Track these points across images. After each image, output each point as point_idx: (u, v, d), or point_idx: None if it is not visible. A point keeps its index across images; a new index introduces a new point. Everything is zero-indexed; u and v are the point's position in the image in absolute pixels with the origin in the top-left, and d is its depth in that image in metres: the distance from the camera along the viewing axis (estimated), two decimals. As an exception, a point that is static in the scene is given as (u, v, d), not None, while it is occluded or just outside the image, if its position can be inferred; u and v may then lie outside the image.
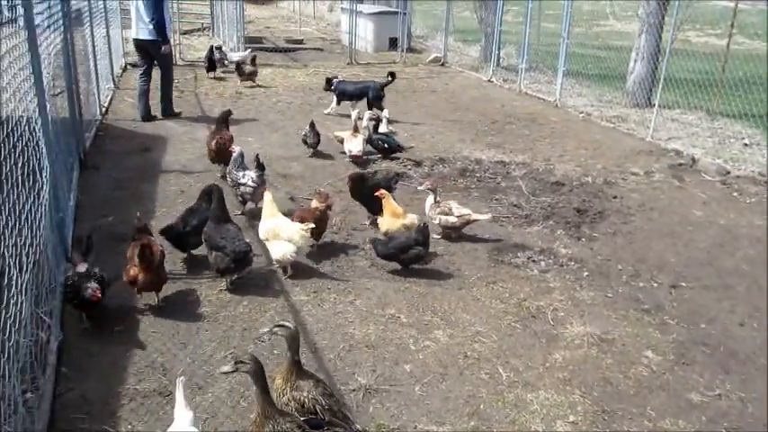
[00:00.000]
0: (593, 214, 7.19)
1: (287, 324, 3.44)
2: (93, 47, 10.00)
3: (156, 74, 10.40)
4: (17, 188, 3.88)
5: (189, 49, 16.75)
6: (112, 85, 12.36)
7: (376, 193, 6.05)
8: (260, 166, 6.64)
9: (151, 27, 9.78)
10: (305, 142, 8.88)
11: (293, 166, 8.37)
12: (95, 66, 10.02)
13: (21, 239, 3.79)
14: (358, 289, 5.36)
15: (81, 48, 8.78)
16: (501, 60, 15.77)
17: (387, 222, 5.99)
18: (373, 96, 10.81)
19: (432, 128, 10.69)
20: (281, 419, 3.03)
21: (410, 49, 18.26)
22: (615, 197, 7.77)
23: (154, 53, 10.16)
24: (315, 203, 5.91)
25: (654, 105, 10.94)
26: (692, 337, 4.88)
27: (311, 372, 3.65)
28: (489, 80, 15.06)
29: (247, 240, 5.27)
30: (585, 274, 5.81)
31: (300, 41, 20.12)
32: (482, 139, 10.11)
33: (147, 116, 10.38)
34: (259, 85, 13.34)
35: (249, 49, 15.54)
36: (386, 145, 8.76)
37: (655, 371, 4.44)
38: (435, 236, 6.39)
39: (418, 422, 3.83)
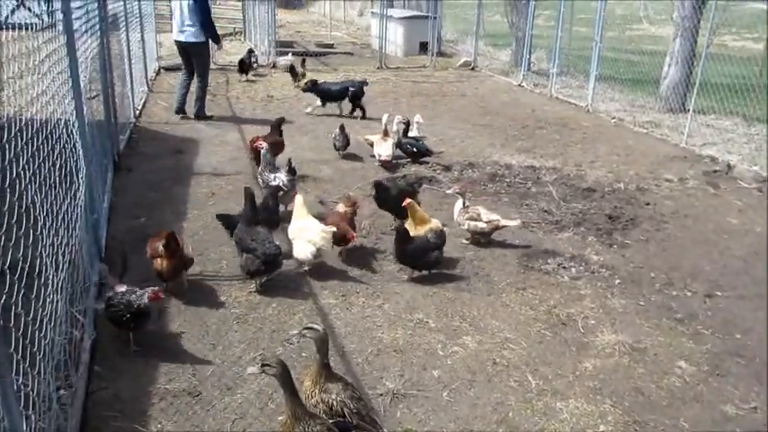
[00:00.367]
0: (626, 221, 7.09)
1: (316, 327, 3.44)
2: (129, 51, 10.17)
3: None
4: (55, 189, 3.96)
5: (221, 53, 16.93)
6: (146, 89, 12.56)
7: (403, 203, 5.99)
8: (291, 171, 6.69)
9: (193, 30, 10.04)
10: (334, 145, 8.94)
11: (323, 170, 8.41)
12: (130, 69, 10.20)
13: (57, 239, 3.86)
14: (386, 293, 5.35)
15: (116, 52, 8.94)
16: (532, 65, 15.65)
17: (411, 229, 5.95)
18: (353, 95, 11.11)
19: (461, 132, 10.65)
20: (311, 421, 3.03)
21: (440, 54, 18.23)
22: (648, 204, 7.65)
23: (192, 55, 10.39)
24: (341, 207, 5.93)
25: (688, 110, 10.73)
26: (726, 347, 4.77)
27: (340, 375, 3.65)
28: (520, 84, 14.96)
29: (277, 243, 5.31)
30: (617, 281, 5.72)
31: (331, 46, 20.24)
32: (512, 144, 10.04)
33: (180, 110, 10.73)
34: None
35: (290, 53, 16.20)
36: (415, 149, 8.76)
37: (688, 382, 4.35)
38: (464, 241, 6.36)
39: (446, 428, 3.81)
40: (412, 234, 5.83)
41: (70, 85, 4.84)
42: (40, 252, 3.50)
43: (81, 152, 5.05)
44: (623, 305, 5.32)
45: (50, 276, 3.59)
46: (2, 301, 2.70)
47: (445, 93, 13.99)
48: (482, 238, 6.30)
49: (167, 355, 4.34)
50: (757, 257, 6.29)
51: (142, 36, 12.25)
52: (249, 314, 4.91)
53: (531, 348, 4.65)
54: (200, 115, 10.70)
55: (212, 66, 13.94)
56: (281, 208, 6.72)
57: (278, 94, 13.05)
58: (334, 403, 3.28)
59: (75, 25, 5.03)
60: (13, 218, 3.00)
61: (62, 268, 3.92)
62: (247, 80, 14.07)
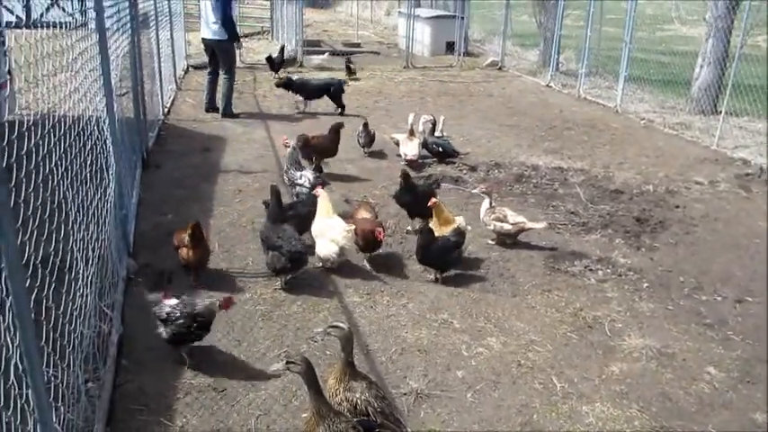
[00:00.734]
0: (654, 224, 6.99)
1: (341, 325, 3.45)
2: (158, 49, 10.30)
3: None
4: (86, 185, 4.02)
5: (249, 51, 17.07)
6: (175, 86, 12.70)
7: (429, 204, 5.97)
8: (318, 168, 6.71)
9: (215, 27, 10.20)
10: (358, 141, 8.97)
11: (348, 168, 8.42)
12: (159, 67, 10.32)
13: (88, 234, 3.92)
14: (411, 292, 5.34)
15: (146, 50, 9.05)
16: (560, 65, 15.52)
17: (436, 228, 5.94)
18: (334, 91, 11.19)
19: (488, 132, 10.59)
20: (336, 419, 3.04)
21: (467, 53, 18.17)
22: (677, 207, 7.53)
23: (217, 52, 10.58)
24: (363, 213, 5.92)
25: (720, 112, 10.55)
26: (757, 354, 4.67)
27: (364, 373, 3.65)
28: (547, 85, 14.84)
29: (303, 240, 5.33)
30: (645, 285, 5.64)
31: (357, 45, 20.28)
32: (539, 145, 9.96)
33: (209, 108, 10.94)
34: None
35: (326, 53, 16.74)
36: (441, 149, 8.74)
37: (717, 388, 4.27)
38: (489, 241, 6.33)
39: (469, 429, 3.79)
40: (437, 234, 5.82)
41: (101, 82, 4.92)
42: (71, 247, 3.55)
43: (111, 149, 5.13)
44: (651, 309, 5.24)
45: (80, 271, 3.64)
46: (34, 295, 2.74)
47: (472, 93, 13.93)
48: (507, 239, 6.26)
49: (192, 350, 4.37)
50: (790, 263, 6.17)
51: (171, 34, 12.39)
52: (274, 311, 4.94)
53: (557, 351, 4.61)
54: (227, 113, 10.81)
55: (240, 64, 14.09)
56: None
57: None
58: (359, 402, 3.28)
59: (107, 24, 5.10)
60: (45, 213, 3.06)
61: (92, 263, 3.98)
62: (278, 77, 14.12)
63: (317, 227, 5.62)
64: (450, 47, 18.39)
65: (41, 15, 6.96)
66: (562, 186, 8.09)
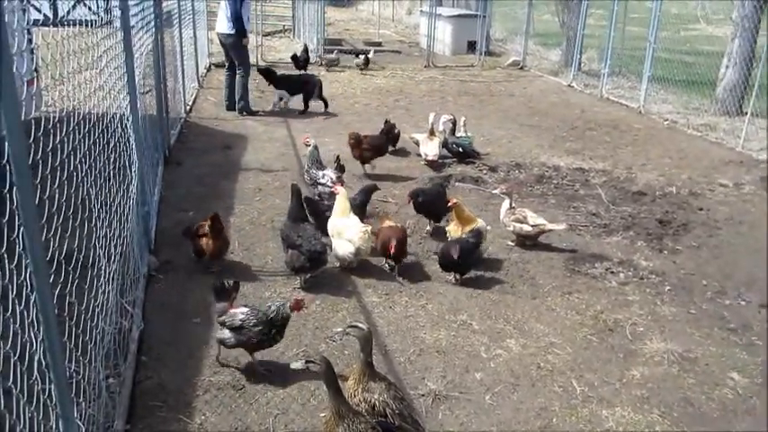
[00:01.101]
0: (677, 226, 6.90)
1: (360, 325, 3.45)
2: (181, 47, 10.37)
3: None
4: (109, 182, 4.06)
5: (270, 50, 17.14)
6: (197, 84, 12.79)
7: (449, 204, 5.94)
8: (340, 168, 6.72)
9: (225, 23, 10.41)
10: None
11: (367, 168, 8.40)
12: (182, 65, 10.40)
13: (110, 231, 3.96)
14: (430, 293, 5.33)
15: (169, 48, 9.12)
16: (582, 65, 15.38)
17: (452, 229, 5.93)
18: (310, 88, 11.14)
19: (508, 132, 10.53)
20: (355, 419, 3.04)
21: (488, 53, 18.07)
22: (701, 209, 7.43)
23: (228, 48, 10.75)
24: (387, 222, 5.84)
25: (745, 114, 10.39)
26: (782, 360, 4.60)
27: (383, 374, 3.65)
28: (569, 85, 14.72)
29: (323, 240, 5.34)
30: (667, 288, 5.57)
31: (379, 44, 20.25)
32: (560, 146, 9.88)
33: (230, 106, 11.03)
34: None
35: (371, 50, 17.09)
36: (461, 149, 8.70)
37: (741, 394, 4.21)
38: (509, 243, 6.29)
39: (488, 432, 3.77)
40: (457, 235, 5.77)
41: (126, 80, 4.96)
42: (94, 243, 3.59)
43: (134, 146, 5.18)
44: (673, 313, 5.18)
45: (103, 267, 3.68)
46: (57, 291, 2.77)
47: (493, 92, 13.86)
48: (527, 241, 6.22)
49: (212, 347, 4.40)
50: (817, 268, 6.05)
51: (194, 33, 12.47)
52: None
53: (577, 354, 4.57)
54: (243, 109, 10.89)
55: (262, 63, 14.14)
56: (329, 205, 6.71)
57: (325, 91, 13.09)
58: (377, 403, 3.28)
59: (132, 22, 5.15)
60: (69, 210, 3.09)
61: (114, 259, 4.01)
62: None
63: (333, 226, 5.61)
64: (471, 46, 18.30)
65: (68, 13, 7.05)
66: (583, 187, 8.02)
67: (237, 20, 10.31)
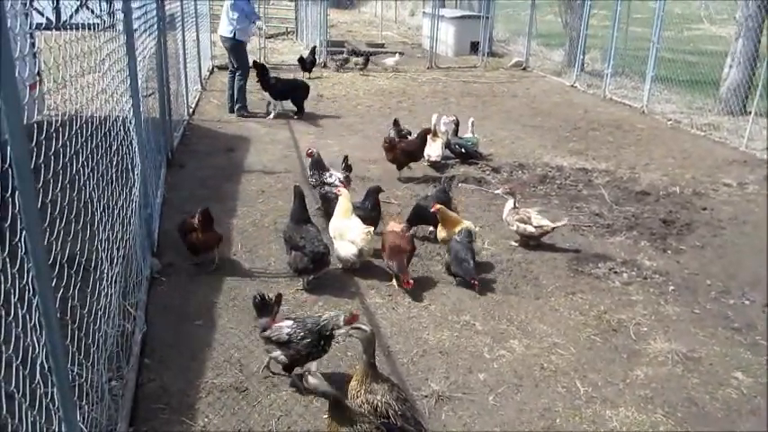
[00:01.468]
0: (681, 226, 6.88)
1: (363, 327, 3.45)
2: (184, 50, 10.40)
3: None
4: (112, 185, 4.07)
5: (273, 52, 17.16)
6: (200, 87, 12.82)
7: (432, 209, 5.84)
8: (348, 168, 6.71)
9: (225, 26, 10.52)
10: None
11: (371, 169, 8.42)
12: (185, 68, 10.42)
13: (113, 234, 3.96)
14: (433, 294, 5.32)
15: (172, 51, 9.14)
16: (585, 65, 15.36)
17: (440, 233, 5.84)
18: (303, 92, 11.05)
19: (511, 133, 10.52)
20: (358, 420, 3.05)
21: (491, 54, 18.06)
22: (705, 209, 7.41)
23: (227, 51, 10.95)
24: (393, 225, 5.72)
25: (749, 113, 10.37)
26: (787, 359, 4.58)
27: (386, 375, 3.64)
28: (572, 85, 14.70)
29: (326, 242, 5.34)
30: (671, 288, 5.56)
31: (381, 45, 20.26)
32: (564, 146, 9.87)
33: (232, 108, 11.06)
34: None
35: (397, 53, 17.32)
36: (463, 150, 8.70)
37: (745, 393, 4.19)
38: (513, 243, 6.28)
39: (491, 433, 3.76)
40: (441, 237, 5.76)
41: (128, 83, 4.97)
42: (96, 246, 3.60)
43: (137, 149, 5.19)
44: (677, 312, 5.16)
45: (105, 270, 3.69)
46: (60, 294, 2.78)
47: (496, 93, 13.85)
48: (531, 241, 6.21)
49: (215, 350, 4.41)
50: (822, 267, 6.03)
51: (197, 35, 12.50)
52: (296, 312, 4.94)
53: (580, 354, 4.56)
54: (238, 112, 10.91)
55: (265, 65, 14.14)
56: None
57: (328, 93, 13.14)
58: (379, 404, 3.27)
59: (135, 25, 5.16)
60: (72, 213, 3.09)
61: (116, 262, 4.02)
62: (309, 78, 14.15)
63: (335, 228, 5.61)
64: (474, 47, 18.30)
65: (70, 17, 7.06)
66: (587, 187, 8.01)
67: (238, 23, 10.39)
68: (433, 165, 8.48)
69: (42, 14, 9.08)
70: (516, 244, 6.26)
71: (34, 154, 2.43)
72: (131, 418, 3.67)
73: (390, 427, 3.23)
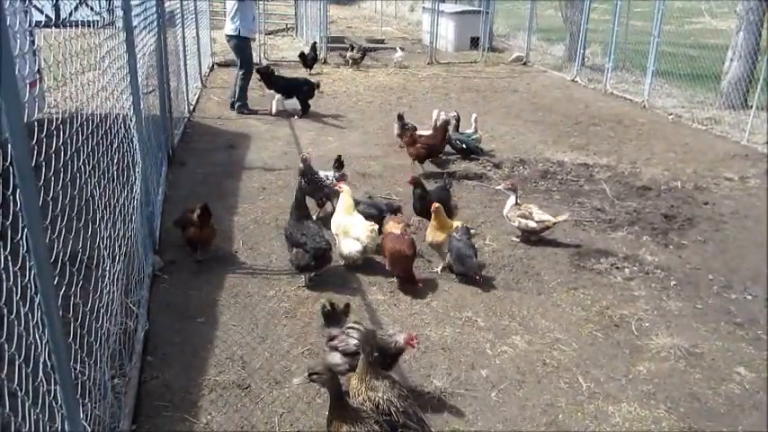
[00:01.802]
0: (683, 221, 6.87)
1: (357, 326, 3.45)
2: (184, 47, 10.37)
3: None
4: (113, 183, 4.06)
5: (273, 48, 17.12)
6: (200, 84, 12.79)
7: (431, 209, 5.70)
8: (340, 165, 6.68)
9: (229, 24, 10.54)
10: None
11: (372, 165, 8.41)
12: (185, 65, 10.40)
13: (115, 232, 3.96)
14: (434, 290, 5.32)
15: (172, 48, 9.12)
16: (586, 60, 15.32)
17: (430, 234, 5.67)
18: (308, 91, 10.91)
19: (512, 128, 10.51)
20: (360, 417, 3.05)
21: (491, 49, 18.01)
22: (706, 203, 7.40)
23: (232, 49, 10.99)
24: (391, 225, 5.58)
25: (750, 107, 10.35)
26: (789, 354, 4.58)
27: (387, 372, 3.64)
28: (573, 80, 14.67)
29: (327, 238, 5.34)
30: (673, 283, 5.55)
31: (381, 41, 20.21)
32: (565, 141, 9.85)
33: (232, 106, 11.05)
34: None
35: (400, 49, 16.94)
36: (464, 146, 8.68)
37: (747, 389, 4.19)
38: (514, 238, 6.28)
39: (494, 429, 3.76)
40: (433, 239, 5.62)
41: (129, 80, 4.96)
42: (98, 244, 3.59)
43: (138, 146, 5.18)
44: (679, 308, 5.16)
45: (107, 268, 3.68)
46: (62, 292, 2.77)
47: (496, 88, 13.82)
48: (532, 236, 6.20)
49: (217, 347, 4.41)
50: (824, 261, 6.02)
51: (197, 32, 12.47)
52: (298, 309, 4.95)
53: (583, 350, 4.56)
54: (242, 110, 10.89)
55: (264, 61, 14.14)
56: (330, 208, 6.61)
57: (328, 89, 13.11)
58: (381, 402, 3.27)
59: (135, 22, 5.14)
60: (73, 210, 3.09)
61: (118, 260, 4.02)
62: (310, 74, 14.12)
63: (338, 224, 5.60)
64: (474, 42, 18.24)
65: (70, 14, 7.05)
66: (588, 183, 8.00)
67: (240, 22, 10.39)
68: (434, 161, 8.46)
69: (42, 12, 9.07)
70: (518, 240, 6.25)
71: (35, 152, 2.42)
72: (134, 415, 3.67)
73: (393, 424, 3.23)
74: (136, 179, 5.06)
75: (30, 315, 2.45)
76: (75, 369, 2.88)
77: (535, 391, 4.11)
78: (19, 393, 2.39)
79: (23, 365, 2.42)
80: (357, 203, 5.97)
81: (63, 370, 2.57)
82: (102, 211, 3.68)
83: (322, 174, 6.63)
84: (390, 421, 3.23)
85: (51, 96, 6.52)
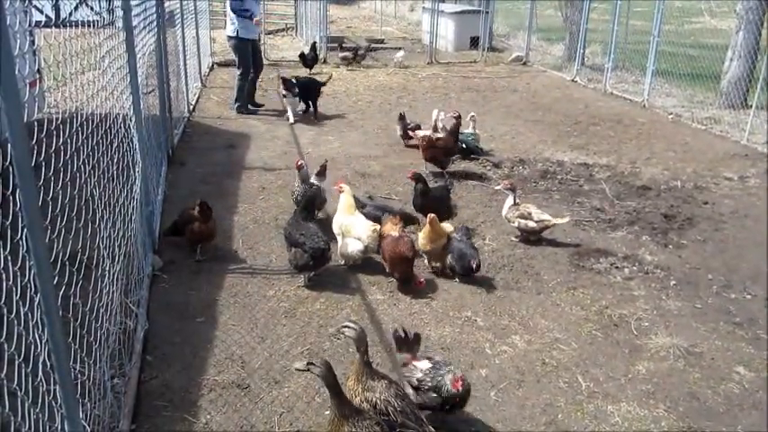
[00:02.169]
0: (682, 220, 6.88)
1: (352, 325, 3.44)
2: (183, 47, 10.37)
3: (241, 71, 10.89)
4: (113, 182, 4.07)
5: (273, 48, 17.13)
6: (200, 84, 12.80)
7: (428, 220, 5.54)
8: (321, 173, 6.43)
9: (228, 25, 10.61)
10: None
11: (372, 165, 8.41)
12: (185, 65, 10.40)
13: (114, 231, 3.96)
14: (434, 290, 5.32)
15: (172, 47, 9.12)
16: (586, 59, 15.31)
17: (422, 241, 5.52)
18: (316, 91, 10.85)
19: (512, 128, 10.51)
20: (358, 417, 3.05)
21: (491, 48, 18.01)
22: (706, 203, 7.40)
23: (231, 49, 11.05)
24: (389, 227, 5.50)
25: (750, 107, 10.34)
26: (788, 354, 4.58)
27: (384, 372, 3.65)
28: (573, 80, 14.67)
29: (326, 238, 5.34)
30: (672, 282, 5.56)
31: (381, 41, 20.21)
32: (564, 141, 9.86)
33: (248, 104, 11.08)
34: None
35: (402, 50, 17.33)
36: (464, 145, 8.68)
37: (747, 388, 4.20)
38: (513, 238, 6.28)
39: (493, 428, 3.76)
40: (425, 247, 5.52)
41: (128, 80, 4.97)
42: (98, 244, 3.59)
43: (138, 146, 5.18)
44: (679, 307, 5.16)
45: (107, 268, 3.69)
46: (61, 292, 2.78)
47: (496, 88, 13.82)
48: (531, 236, 6.21)
49: (217, 346, 4.42)
50: (823, 261, 6.02)
51: (197, 32, 12.47)
52: (297, 308, 4.96)
53: (582, 349, 4.56)
54: (241, 111, 10.89)
55: (264, 61, 14.12)
56: (321, 215, 6.49)
57: (327, 89, 13.07)
58: (378, 402, 3.27)
59: (134, 22, 5.15)
60: (73, 210, 3.09)
61: (118, 260, 4.02)
62: (310, 74, 14.10)
63: (339, 224, 5.60)
64: (474, 42, 18.24)
65: (70, 14, 7.05)
66: (588, 182, 8.00)
67: (237, 21, 10.38)
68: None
69: (42, 12, 9.07)
70: (517, 239, 6.26)
71: (35, 152, 2.42)
72: (134, 415, 3.67)
73: (391, 424, 3.23)
74: (135, 179, 5.06)
75: (29, 315, 2.45)
76: (75, 369, 2.88)
77: (534, 390, 4.11)
78: (19, 393, 2.39)
79: (23, 365, 2.42)
80: (363, 206, 5.96)
81: (62, 369, 2.57)
82: (102, 210, 3.68)
83: (315, 179, 6.46)
84: (389, 421, 3.23)
85: (51, 96, 6.52)
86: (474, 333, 4.71)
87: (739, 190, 7.89)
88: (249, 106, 11.06)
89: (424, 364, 3.66)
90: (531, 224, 6.07)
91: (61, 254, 2.81)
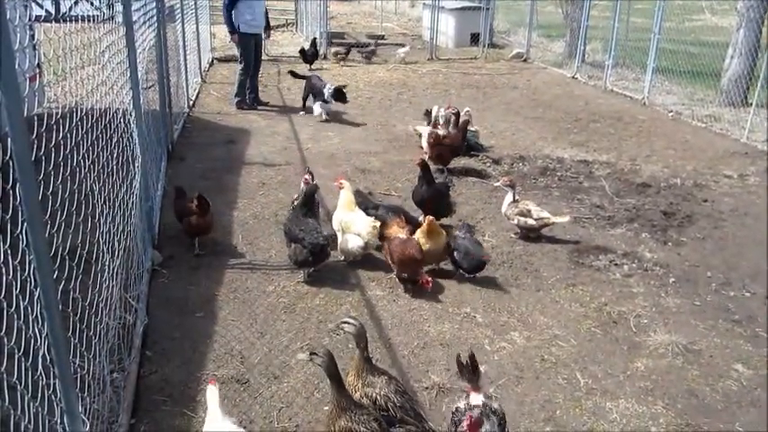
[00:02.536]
0: (682, 218, 6.88)
1: (351, 321, 3.45)
2: (184, 42, 10.36)
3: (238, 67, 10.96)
4: (112, 177, 4.07)
5: (273, 44, 17.10)
6: (200, 79, 12.78)
7: (426, 222, 5.46)
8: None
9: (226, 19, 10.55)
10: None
11: (372, 162, 8.41)
12: (185, 60, 10.39)
13: (114, 226, 3.97)
14: (433, 286, 5.31)
15: (172, 43, 9.11)
16: (586, 56, 15.30)
17: (421, 239, 5.39)
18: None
19: (512, 125, 10.50)
20: (357, 411, 3.05)
21: (492, 45, 17.99)
22: (706, 200, 7.41)
23: (234, 43, 10.97)
24: (396, 229, 5.43)
25: (750, 104, 10.34)
26: (787, 351, 4.59)
27: (384, 368, 3.65)
28: (573, 77, 14.65)
29: (325, 234, 5.34)
30: (672, 280, 5.56)
31: (381, 37, 20.18)
32: (564, 138, 9.85)
33: (252, 101, 11.07)
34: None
35: (407, 46, 17.23)
36: (464, 142, 8.66)
37: (745, 385, 4.20)
38: (512, 235, 6.28)
39: (492, 424, 3.77)
40: (425, 248, 5.37)
41: (128, 75, 4.96)
42: (98, 238, 3.60)
43: (137, 141, 5.18)
44: (677, 305, 5.17)
45: (106, 262, 3.69)
46: (61, 286, 2.78)
47: (496, 85, 13.81)
48: (531, 233, 6.21)
49: (216, 342, 4.42)
50: (822, 259, 6.03)
51: (197, 27, 12.46)
52: (297, 304, 4.96)
53: (581, 346, 4.56)
54: (241, 106, 10.88)
55: (264, 57, 14.12)
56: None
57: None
58: (378, 397, 3.28)
59: (134, 17, 5.14)
60: (73, 205, 3.09)
61: (117, 254, 4.02)
62: (310, 70, 14.08)
63: (339, 220, 5.60)
64: (474, 38, 18.22)
65: (70, 9, 7.04)
66: (587, 179, 8.00)
67: (228, 17, 10.36)
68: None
69: (41, 6, 9.05)
70: (516, 236, 6.26)
71: (35, 146, 2.42)
72: (133, 409, 3.68)
73: (390, 420, 3.24)
74: (135, 174, 5.06)
75: (29, 309, 2.46)
76: (75, 363, 2.89)
77: (533, 386, 4.12)
78: (18, 387, 2.40)
79: (23, 359, 2.43)
80: (376, 207, 5.92)
81: (62, 364, 2.58)
82: (102, 205, 3.68)
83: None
84: (388, 417, 3.24)
85: (51, 91, 6.51)
86: (473, 329, 4.72)
87: (739, 188, 7.89)
88: (256, 105, 11.02)
89: (477, 401, 3.19)
90: (531, 222, 6.07)
91: (61, 248, 2.81)
